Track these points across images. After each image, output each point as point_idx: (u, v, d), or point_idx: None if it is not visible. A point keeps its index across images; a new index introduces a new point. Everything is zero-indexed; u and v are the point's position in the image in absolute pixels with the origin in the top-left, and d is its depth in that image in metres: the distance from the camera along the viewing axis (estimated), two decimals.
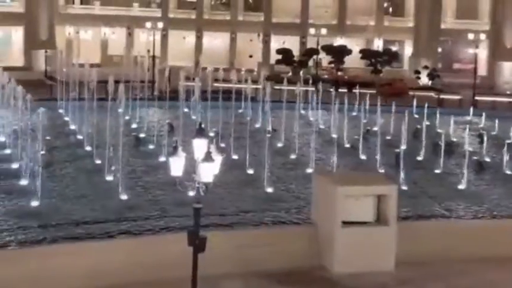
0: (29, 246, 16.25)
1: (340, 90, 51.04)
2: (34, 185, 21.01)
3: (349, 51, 65.74)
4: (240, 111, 36.94)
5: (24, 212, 19.37)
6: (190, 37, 70.51)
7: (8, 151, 27.14)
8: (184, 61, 65.39)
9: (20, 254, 15.78)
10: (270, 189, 22.62)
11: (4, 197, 21.07)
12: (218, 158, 13.01)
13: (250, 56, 70.74)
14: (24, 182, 22.40)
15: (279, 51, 64.46)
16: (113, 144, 29.50)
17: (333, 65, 64.71)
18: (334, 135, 31.35)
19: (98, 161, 25.58)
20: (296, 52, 66.37)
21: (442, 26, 75.50)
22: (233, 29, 69.99)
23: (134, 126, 33.76)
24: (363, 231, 17.86)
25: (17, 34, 62.79)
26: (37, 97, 43.93)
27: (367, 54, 68.69)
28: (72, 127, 32.70)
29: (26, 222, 18.20)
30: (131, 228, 18.44)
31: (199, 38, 69.69)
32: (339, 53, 64.72)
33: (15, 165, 24.57)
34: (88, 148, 28.23)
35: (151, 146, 29.09)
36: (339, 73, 62.83)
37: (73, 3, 68.94)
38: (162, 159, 26.02)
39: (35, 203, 19.96)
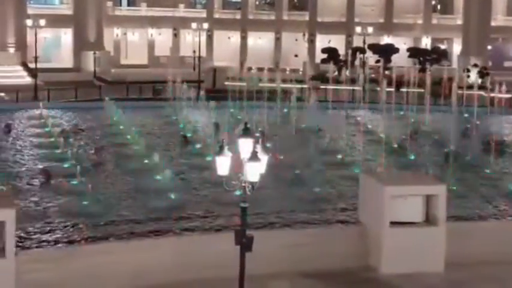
0: (79, 245, 16.53)
1: (387, 89, 50.39)
2: (84, 184, 21.38)
3: (396, 50, 64.96)
4: (285, 110, 36.83)
5: (74, 210, 19.71)
6: (235, 37, 70.76)
7: (58, 150, 27.69)
8: (229, 61, 65.64)
9: (70, 252, 16.06)
10: (317, 189, 22.48)
11: (55, 196, 21.50)
12: (264, 158, 12.99)
13: (296, 56, 70.56)
14: (75, 181, 22.81)
15: (324, 51, 64.13)
16: (161, 144, 29.90)
17: (379, 64, 64.05)
18: (382, 135, 30.96)
19: (146, 161, 25.85)
20: (342, 51, 65.94)
21: (493, 24, 73.91)
22: (278, 29, 69.95)
23: (181, 126, 34.03)
24: (411, 232, 17.61)
25: (66, 36, 64.04)
26: (87, 98, 44.94)
27: (414, 52, 67.72)
28: (121, 127, 33.17)
29: (76, 221, 18.52)
30: (179, 227, 18.57)
31: (244, 38, 69.87)
32: (386, 52, 63.98)
33: (66, 165, 25.05)
34: (136, 147, 28.58)
35: (198, 146, 29.28)
36: (386, 72, 62.15)
37: (120, 5, 69.99)
38: (209, 158, 26.17)
39: (85, 202, 20.30)
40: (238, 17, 70.15)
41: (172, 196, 21.20)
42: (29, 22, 52.14)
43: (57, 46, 64.34)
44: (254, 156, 12.76)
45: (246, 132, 13.09)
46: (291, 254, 16.78)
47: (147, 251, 16.42)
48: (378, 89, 46.95)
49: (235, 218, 16.67)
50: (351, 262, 17.15)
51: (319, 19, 70.73)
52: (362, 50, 61.08)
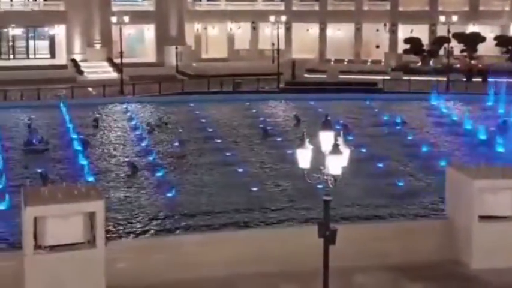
0: (166, 235, 16.87)
1: (473, 79, 48.88)
2: (169, 177, 21.82)
3: (482, 39, 62.72)
4: (367, 102, 36.29)
5: (161, 202, 20.16)
6: (314, 29, 70.35)
7: (144, 143, 28.37)
8: (308, 53, 65.31)
9: (157, 242, 16.43)
10: (401, 183, 22.05)
11: (142, 188, 22.05)
12: (346, 151, 12.82)
13: (377, 47, 69.42)
14: (160, 173, 23.30)
15: (406, 41, 62.71)
16: (242, 137, 30.13)
17: (465, 54, 62.05)
18: (469, 127, 30.00)
19: (228, 153, 26.11)
20: (425, 41, 64.29)
21: None
22: (358, 20, 69.00)
23: (261, 118, 34.16)
24: (502, 226, 16.97)
25: (149, 32, 65.57)
26: (168, 91, 45.84)
27: (502, 41, 65.14)
28: (203, 120, 33.58)
29: (163, 212, 18.93)
30: (261, 219, 18.67)
31: (323, 30, 69.34)
32: (472, 41, 61.86)
33: (151, 157, 25.62)
34: (218, 140, 28.90)
35: (278, 138, 29.29)
36: (472, 62, 60.14)
37: (200, 0, 70.99)
38: (289, 151, 26.14)
39: (170, 194, 20.71)
40: (316, 8, 69.69)
41: (254, 189, 21.32)
42: (113, 19, 53.70)
43: (140, 41, 65.95)
44: (336, 149, 12.62)
45: (327, 125, 12.96)
46: (375, 247, 16.54)
47: (229, 242, 16.58)
48: (464, 79, 45.54)
49: (318, 211, 16.59)
50: (437, 256, 16.72)
51: (401, 8, 69.25)
52: (446, 40, 59.34)
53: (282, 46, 59.01)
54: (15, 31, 56.83)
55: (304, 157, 12.84)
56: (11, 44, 56.92)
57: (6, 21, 55.72)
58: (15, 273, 13.93)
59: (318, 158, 12.79)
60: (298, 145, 13.01)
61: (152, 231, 17.39)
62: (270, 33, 63.90)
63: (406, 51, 62.18)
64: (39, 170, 23.46)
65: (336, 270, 13.72)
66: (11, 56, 56.40)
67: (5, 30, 56.42)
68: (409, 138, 29.47)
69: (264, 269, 15.75)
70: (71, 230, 14.32)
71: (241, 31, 68.92)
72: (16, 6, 57.04)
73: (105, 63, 56.05)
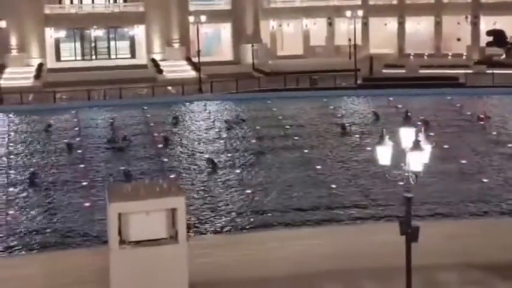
0: (246, 232, 17.01)
1: None
2: (248, 174, 21.98)
3: None
4: (449, 97, 35.33)
5: (240, 199, 20.34)
6: (392, 23, 69.11)
7: (223, 141, 28.68)
8: (387, 48, 64.19)
9: (238, 238, 16.59)
10: (485, 179, 21.37)
11: (222, 184, 22.31)
12: (427, 147, 12.56)
13: (458, 40, 67.47)
14: (237, 170, 23.51)
15: (489, 33, 60.66)
16: (320, 134, 29.98)
17: None
18: None
19: (306, 150, 26.04)
20: (510, 33, 61.99)
21: None
22: (438, 12, 67.23)
23: (339, 115, 33.87)
24: None
25: (225, 30, 66.25)
26: (245, 89, 46.19)
27: None
28: (280, 117, 33.69)
29: (243, 209, 19.10)
30: (340, 216, 18.53)
31: (401, 24, 67.98)
32: None
33: (230, 154, 25.87)
34: (296, 138, 28.86)
35: (357, 135, 28.96)
36: None
37: None
38: (368, 148, 25.83)
39: (247, 191, 20.87)
40: (394, 2, 68.41)
41: (334, 186, 21.19)
42: (191, 19, 54.60)
43: (217, 40, 66.72)
44: (417, 146, 12.38)
45: (407, 121, 12.73)
46: (459, 245, 16.11)
47: (309, 239, 16.55)
48: None
49: (399, 208, 16.32)
50: None
51: (482, 0, 67.09)
52: None
53: (359, 41, 58.22)
54: (97, 32, 58.66)
55: (384, 154, 12.63)
56: (93, 45, 58.80)
57: (88, 23, 57.61)
58: (101, 267, 14.38)
59: (398, 154, 12.57)
60: (377, 142, 12.83)
61: (233, 227, 17.56)
62: (346, 28, 63.24)
63: (489, 44, 60.12)
64: (122, 167, 24.13)
65: (418, 268, 13.47)
66: (93, 57, 58.27)
67: (87, 31, 58.32)
68: (493, 133, 28.51)
69: (344, 265, 15.62)
70: (153, 226, 14.62)
71: (316, 27, 68.53)
72: (97, 8, 58.86)
73: (184, 62, 56.99)
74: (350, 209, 19.12)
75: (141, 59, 57.94)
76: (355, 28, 52.55)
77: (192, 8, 60.07)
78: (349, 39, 56.14)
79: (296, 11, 68.01)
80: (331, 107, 35.89)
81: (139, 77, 50.13)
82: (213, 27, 64.27)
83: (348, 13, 57.07)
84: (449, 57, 60.36)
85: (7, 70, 50.48)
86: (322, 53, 64.63)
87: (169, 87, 47.70)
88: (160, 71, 53.65)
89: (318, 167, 23.57)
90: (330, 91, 40.29)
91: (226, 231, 17.31)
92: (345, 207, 19.35)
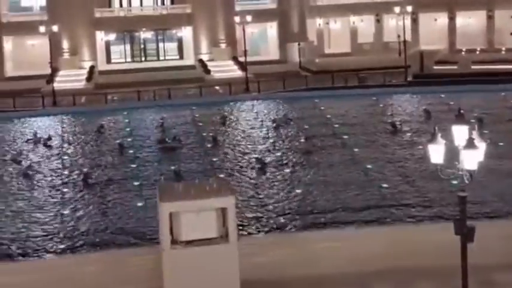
0: (295, 231, 16.95)
1: None
2: (297, 173, 21.90)
3: None
4: (503, 94, 34.47)
5: (289, 198, 20.28)
6: (442, 18, 67.93)
7: (271, 140, 28.65)
8: (437, 44, 63.15)
9: (288, 238, 16.56)
10: None
11: (270, 184, 22.30)
12: (482, 145, 12.27)
13: None
14: (286, 170, 23.47)
15: None
16: (369, 132, 29.66)
17: None
18: None
19: (356, 149, 25.80)
20: None
21: None
22: (490, 7, 65.78)
23: (389, 113, 33.44)
24: None
25: (272, 29, 66.27)
26: (292, 88, 46.09)
27: None
28: (328, 116, 33.46)
29: (292, 209, 19.05)
30: (392, 216, 18.29)
31: (452, 19, 66.73)
32: None
33: (278, 154, 25.82)
34: (345, 136, 28.64)
35: (408, 134, 28.54)
36: None
37: None
38: (420, 146, 25.41)
39: (298, 190, 20.80)
40: None
41: (385, 185, 20.93)
42: (237, 19, 54.85)
43: (263, 39, 66.79)
44: (471, 144, 12.12)
45: (460, 118, 12.46)
46: None
47: (363, 238, 16.39)
48: None
49: (453, 207, 16.00)
50: None
51: None
52: None
53: (409, 38, 57.43)
54: (145, 34, 59.48)
55: (436, 152, 12.42)
56: (142, 47, 59.64)
57: (137, 25, 58.45)
58: (154, 266, 14.54)
59: (451, 153, 12.33)
60: (429, 140, 12.61)
61: (283, 226, 17.53)
62: (395, 24, 62.45)
63: None
64: (172, 167, 24.36)
65: (474, 268, 13.18)
66: (143, 59, 59.10)
67: (137, 34, 59.19)
68: None
69: (398, 265, 15.41)
70: (204, 225, 14.71)
71: (364, 24, 67.87)
72: (146, 11, 59.66)
73: (231, 62, 57.26)
74: (402, 209, 18.84)
75: (189, 59, 58.48)
76: (404, 24, 51.85)
77: (238, 8, 60.29)
78: (398, 36, 55.41)
79: (343, 8, 67.46)
80: (381, 105, 35.48)
81: (187, 78, 50.63)
82: (259, 27, 64.29)
83: (397, 9, 56.33)
84: (503, 52, 58.86)
85: (60, 73, 51.63)
86: (370, 50, 63.94)
87: (217, 87, 47.99)
88: (207, 71, 54.03)
89: (369, 166, 23.32)
90: (379, 89, 39.81)
91: (277, 230, 17.27)
92: (396, 207, 19.08)
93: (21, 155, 28.66)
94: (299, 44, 59.07)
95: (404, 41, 50.79)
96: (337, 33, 68.37)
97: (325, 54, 63.84)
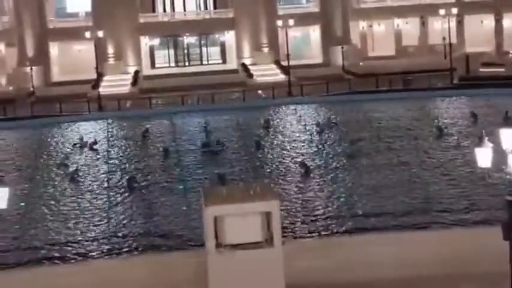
0: (342, 235, 16.82)
1: None
2: (341, 177, 21.76)
3: None
4: None
5: (334, 202, 20.15)
6: (489, 20, 66.75)
7: (314, 144, 28.54)
8: (483, 46, 62.01)
9: (334, 242, 16.42)
10: None
11: (315, 188, 22.20)
12: None
13: None
14: (331, 174, 23.34)
15: None
16: (414, 136, 29.28)
17: None
18: None
19: (401, 153, 25.50)
20: None
21: None
22: None
23: (435, 117, 32.95)
24: None
25: (314, 33, 66.08)
26: (336, 91, 45.88)
27: None
28: (372, 119, 33.13)
29: (337, 212, 18.92)
30: (438, 220, 18.01)
31: (498, 21, 65.53)
32: None
33: (322, 158, 25.72)
34: (389, 140, 28.33)
35: (454, 137, 28.08)
36: None
37: None
38: (467, 150, 24.95)
39: (343, 194, 20.66)
40: None
41: (431, 189, 20.63)
42: (279, 23, 54.87)
43: (306, 43, 66.67)
44: None
45: (508, 122, 12.19)
46: None
47: (407, 243, 16.16)
48: None
49: (501, 212, 15.65)
50: None
51: None
52: None
53: (454, 40, 56.60)
54: (189, 39, 60.02)
55: (483, 156, 12.18)
56: (185, 51, 60.19)
57: (181, 30, 59.01)
58: (199, 270, 14.59)
59: (499, 156, 12.06)
60: (476, 144, 12.38)
61: (327, 231, 17.42)
62: (440, 27, 61.60)
63: None
64: (216, 171, 24.47)
65: None
66: (186, 63, 59.63)
67: (180, 38, 59.77)
68: None
69: (445, 271, 15.15)
70: (249, 229, 14.69)
71: (409, 26, 67.18)
72: (189, 16, 60.21)
73: (273, 66, 57.27)
74: (449, 213, 18.52)
75: (232, 64, 58.71)
76: (449, 26, 51.15)
77: (280, 12, 60.32)
78: (444, 38, 54.64)
79: (387, 10, 66.90)
80: (426, 108, 35.00)
81: (230, 82, 50.79)
82: (302, 30, 64.20)
83: (442, 11, 55.60)
84: None
85: (105, 78, 52.44)
86: (415, 53, 63.16)
87: (260, 91, 48.04)
88: (250, 75, 54.15)
89: (414, 170, 23.01)
90: (424, 92, 39.27)
91: (321, 234, 17.17)
92: (443, 211, 18.77)
93: (68, 159, 29.21)
94: (342, 47, 58.75)
95: (450, 44, 50.07)
96: (381, 36, 67.80)
97: (369, 57, 63.34)
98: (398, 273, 15.03)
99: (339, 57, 59.22)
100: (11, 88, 52.00)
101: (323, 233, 17.41)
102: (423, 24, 67.06)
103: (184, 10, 60.25)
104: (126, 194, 23.69)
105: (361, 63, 59.19)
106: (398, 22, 67.57)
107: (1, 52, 55.98)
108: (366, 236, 16.79)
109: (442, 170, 23.65)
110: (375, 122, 32.66)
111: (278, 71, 55.84)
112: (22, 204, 22.19)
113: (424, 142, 28.23)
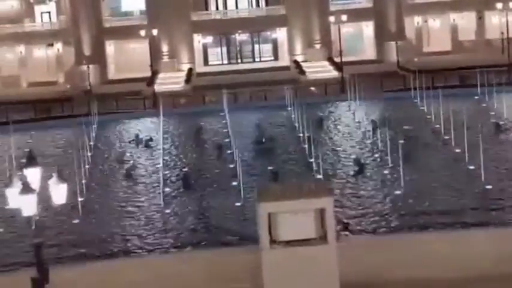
0: (398, 233, 16.58)
1: None
2: (397, 174, 21.46)
3: None
4: None
5: (389, 199, 19.91)
6: None
7: (369, 141, 28.20)
8: None
9: (390, 239, 16.22)
10: None
11: (374, 184, 21.98)
12: None
13: None
14: (385, 171, 23.05)
15: None
16: (472, 132, 28.62)
17: None
18: None
19: (457, 150, 24.98)
20: None
21: None
22: None
23: (492, 113, 32.16)
24: None
25: (367, 29, 65.33)
26: (390, 88, 45.24)
27: None
28: (428, 116, 32.59)
29: (392, 210, 18.68)
30: (497, 218, 17.56)
31: None
32: None
33: (377, 154, 25.39)
34: (446, 137, 27.79)
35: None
36: None
37: None
38: None
39: (398, 192, 20.38)
40: None
41: (489, 187, 20.14)
42: (331, 19, 54.50)
43: (359, 39, 65.98)
44: None
45: None
46: None
47: (464, 241, 15.83)
48: None
49: None
50: None
51: None
52: None
53: None
54: (241, 36, 60.26)
55: None
56: (238, 48, 60.44)
57: (233, 28, 59.31)
58: (253, 266, 14.63)
59: None
60: None
61: (382, 228, 17.22)
62: (498, 21, 60.07)
63: None
64: (270, 168, 24.49)
65: None
66: (239, 60, 59.87)
67: (233, 36, 60.07)
68: None
69: (506, 270, 14.76)
70: (302, 226, 14.67)
71: (465, 21, 65.76)
72: (241, 13, 60.43)
73: (326, 63, 56.92)
74: (507, 211, 18.03)
75: (284, 60, 58.63)
76: (507, 21, 49.86)
77: (332, 8, 59.86)
78: (502, 33, 53.29)
79: (443, 5, 65.60)
80: (484, 105, 34.18)
81: (283, 79, 50.71)
82: (355, 26, 63.60)
83: (499, 5, 54.25)
84: None
85: (160, 76, 53.16)
86: (472, 48, 61.74)
87: (312, 88, 47.83)
88: (302, 72, 53.95)
89: (471, 167, 22.50)
90: (482, 88, 38.38)
91: (376, 232, 16.98)
92: (502, 209, 18.29)
93: (124, 155, 29.71)
94: (397, 43, 57.93)
95: (508, 39, 48.81)
96: (436, 31, 66.58)
97: (424, 53, 62.28)
98: (454, 273, 14.75)
99: (393, 53, 58.43)
100: (68, 86, 53.24)
101: (378, 230, 17.19)
102: (480, 18, 65.52)
103: (237, 8, 60.47)
104: (182, 190, 23.93)
105: (416, 59, 58.24)
106: (454, 17, 66.22)
107: (58, 51, 57.42)
108: (422, 233, 16.50)
109: (499, 167, 23.10)
110: (431, 118, 32.08)
111: (331, 67, 55.47)
112: (80, 200, 22.65)
113: (481, 138, 27.59)
